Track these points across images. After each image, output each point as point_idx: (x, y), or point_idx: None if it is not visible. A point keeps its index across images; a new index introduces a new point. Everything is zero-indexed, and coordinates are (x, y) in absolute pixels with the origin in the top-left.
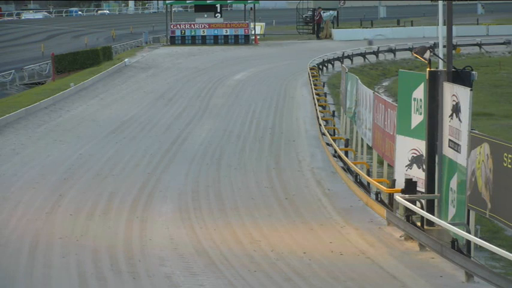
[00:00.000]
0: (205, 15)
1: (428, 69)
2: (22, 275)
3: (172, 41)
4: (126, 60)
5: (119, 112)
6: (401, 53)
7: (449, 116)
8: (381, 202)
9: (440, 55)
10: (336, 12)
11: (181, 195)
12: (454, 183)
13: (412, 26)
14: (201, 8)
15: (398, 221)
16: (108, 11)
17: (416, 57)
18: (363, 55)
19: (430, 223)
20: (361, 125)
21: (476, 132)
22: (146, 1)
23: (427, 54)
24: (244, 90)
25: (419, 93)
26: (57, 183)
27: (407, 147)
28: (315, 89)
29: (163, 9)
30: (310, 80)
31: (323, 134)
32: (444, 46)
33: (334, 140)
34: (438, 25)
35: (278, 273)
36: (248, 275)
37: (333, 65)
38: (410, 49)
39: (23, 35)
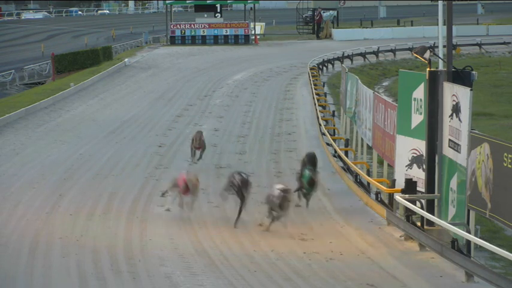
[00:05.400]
0: (205, 15)
1: (428, 69)
2: (22, 275)
3: (172, 41)
4: (126, 60)
5: (119, 112)
6: (401, 53)
7: (449, 116)
8: (381, 202)
9: (440, 55)
10: (336, 12)
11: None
12: (454, 183)
13: (412, 26)
14: (201, 8)
15: (399, 221)
16: (108, 11)
17: (416, 57)
18: (363, 55)
19: (430, 223)
20: (361, 125)
21: (476, 132)
22: (146, 1)
23: (427, 54)
24: (244, 90)
25: (420, 93)
26: (57, 183)
27: (408, 147)
28: (315, 89)
29: (163, 9)
30: (310, 80)
31: (323, 134)
32: (444, 46)
33: (334, 140)
34: (438, 25)
35: (278, 273)
36: (248, 275)
37: (333, 65)
38: (410, 49)
39: (23, 35)
